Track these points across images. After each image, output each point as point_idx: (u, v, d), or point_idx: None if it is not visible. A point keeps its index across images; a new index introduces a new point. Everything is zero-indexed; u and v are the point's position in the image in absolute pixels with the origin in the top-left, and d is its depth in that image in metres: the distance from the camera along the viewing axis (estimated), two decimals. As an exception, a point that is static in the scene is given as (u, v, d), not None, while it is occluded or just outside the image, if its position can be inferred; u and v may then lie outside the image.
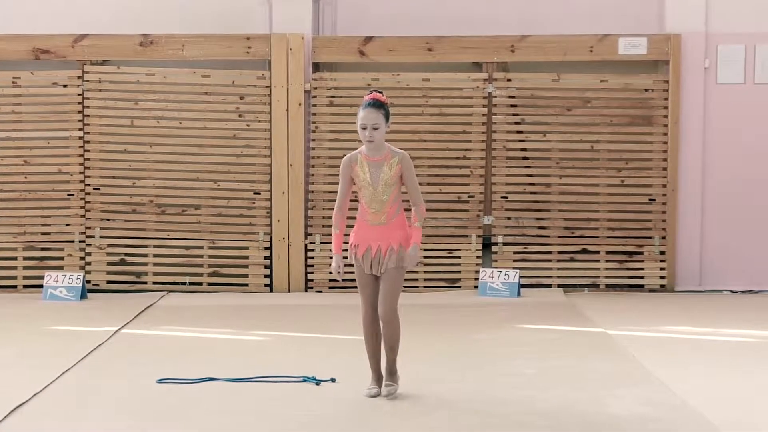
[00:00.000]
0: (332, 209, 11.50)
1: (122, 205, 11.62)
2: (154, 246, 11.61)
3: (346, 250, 6.90)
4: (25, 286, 11.51)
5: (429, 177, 11.44)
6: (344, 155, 11.39)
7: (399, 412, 5.28)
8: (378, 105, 6.65)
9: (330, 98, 11.59)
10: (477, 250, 11.57)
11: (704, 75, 11.66)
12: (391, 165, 6.68)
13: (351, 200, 7.18)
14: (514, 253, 11.58)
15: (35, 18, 11.71)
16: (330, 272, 7.06)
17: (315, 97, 11.58)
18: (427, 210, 11.74)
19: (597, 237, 11.64)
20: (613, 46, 11.51)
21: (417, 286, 11.40)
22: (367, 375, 6.66)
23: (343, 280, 7.12)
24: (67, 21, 11.67)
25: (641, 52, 11.53)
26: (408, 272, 11.18)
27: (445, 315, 10.01)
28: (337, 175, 11.48)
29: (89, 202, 11.59)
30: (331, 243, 7.28)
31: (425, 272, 11.45)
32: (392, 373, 6.70)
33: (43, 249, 11.60)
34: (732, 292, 11.68)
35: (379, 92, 6.77)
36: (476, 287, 11.33)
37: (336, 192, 11.44)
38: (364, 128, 6.65)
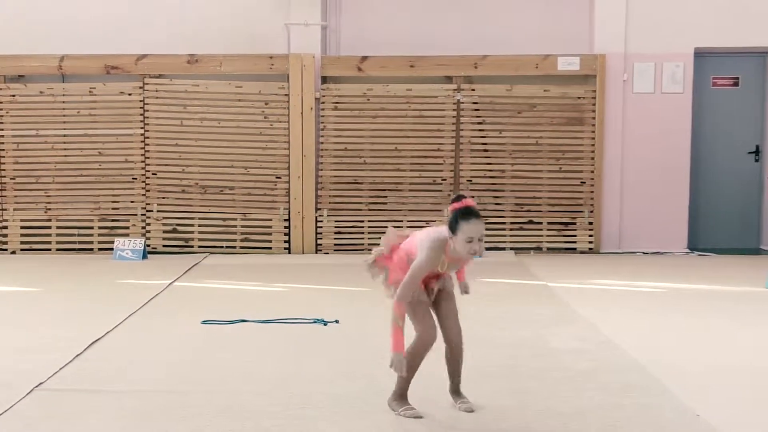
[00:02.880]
0: (337, 191, 11.64)
1: (174, 186, 11.63)
2: (199, 218, 11.62)
3: None
4: (100, 249, 11.52)
5: (411, 165, 11.52)
6: (345, 148, 11.55)
7: (379, 344, 5.27)
8: (480, 216, 4.69)
9: (335, 104, 11.59)
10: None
11: (623, 86, 11.69)
12: (465, 261, 4.94)
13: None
14: (477, 223, 11.56)
15: (106, 42, 11.73)
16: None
17: (323, 103, 11.58)
18: (410, 190, 11.89)
19: (540, 211, 11.66)
20: (553, 63, 11.52)
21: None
22: (365, 317, 6.63)
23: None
24: (131, 44, 11.71)
25: (575, 68, 11.54)
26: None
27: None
28: (341, 165, 11.63)
29: (148, 184, 11.60)
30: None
31: (408, 238, 11.45)
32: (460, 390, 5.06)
33: (113, 220, 11.62)
34: (644, 253, 11.73)
35: (467, 197, 4.80)
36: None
37: (341, 179, 11.58)
38: (471, 242, 4.61)
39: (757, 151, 12.18)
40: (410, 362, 4.73)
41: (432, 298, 4.90)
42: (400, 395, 4.84)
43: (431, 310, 4.91)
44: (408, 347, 4.73)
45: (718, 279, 9.55)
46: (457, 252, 4.67)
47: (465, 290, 5.28)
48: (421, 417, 4.73)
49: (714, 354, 6.26)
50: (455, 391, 5.02)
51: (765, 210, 12.10)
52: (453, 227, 4.64)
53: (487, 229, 11.69)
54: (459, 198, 4.77)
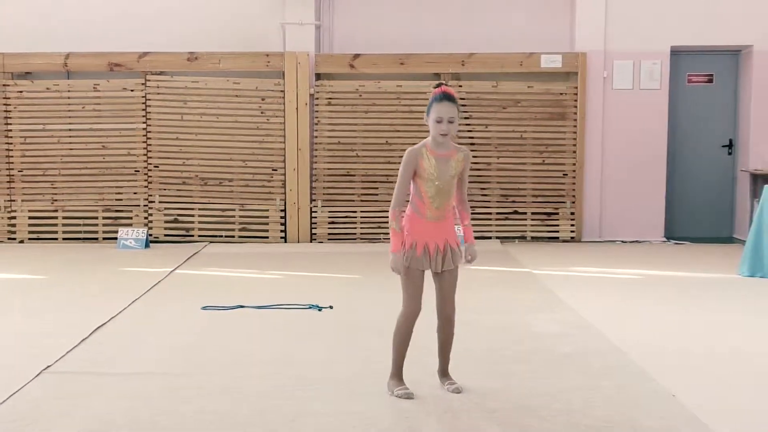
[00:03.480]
0: (330, 182, 11.63)
1: (175, 178, 11.61)
2: (199, 209, 11.61)
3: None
4: (104, 238, 11.50)
5: (401, 158, 11.38)
6: (338, 142, 11.54)
7: (371, 328, 5.30)
8: (452, 99, 4.78)
9: (328, 99, 11.58)
10: (436, 211, 11.56)
11: (603, 83, 11.70)
12: (457, 160, 4.85)
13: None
14: (464, 213, 11.59)
15: (110, 40, 11.71)
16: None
17: (317, 98, 11.57)
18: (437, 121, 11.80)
19: (525, 202, 11.68)
20: (537, 61, 11.51)
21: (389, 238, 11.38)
22: (358, 303, 6.63)
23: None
24: (134, 42, 11.68)
25: (557, 65, 11.54)
26: (383, 228, 11.26)
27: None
28: (334, 157, 11.62)
29: (150, 176, 11.58)
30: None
31: (398, 228, 11.45)
32: (448, 371, 5.03)
33: (116, 211, 11.60)
34: (623, 241, 11.75)
35: (447, 85, 4.90)
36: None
37: (334, 171, 11.57)
38: (440, 121, 4.75)
39: (730, 145, 12.22)
40: (399, 337, 4.76)
41: (434, 265, 4.81)
42: (395, 375, 4.81)
43: (434, 281, 4.86)
44: (396, 324, 4.78)
45: (693, 266, 9.58)
46: (432, 137, 4.79)
47: (470, 256, 4.94)
48: (412, 397, 4.70)
49: (689, 337, 6.29)
50: (443, 372, 4.99)
51: (738, 200, 12.14)
52: (427, 110, 4.81)
53: (473, 219, 11.80)
54: (439, 85, 4.88)
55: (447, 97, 4.76)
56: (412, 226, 4.85)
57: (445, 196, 4.83)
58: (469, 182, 11.46)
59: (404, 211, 4.87)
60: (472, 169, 11.56)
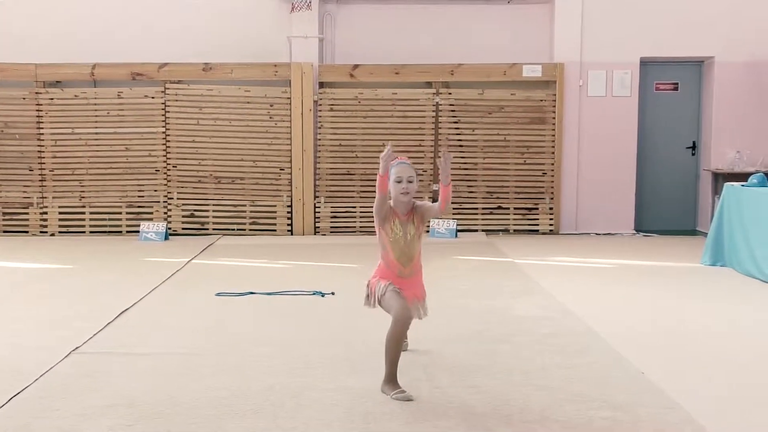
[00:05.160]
0: (332, 181, 11.63)
1: (191, 177, 11.60)
2: (213, 204, 11.59)
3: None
4: (127, 232, 11.49)
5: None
6: (340, 144, 11.53)
7: (370, 313, 5.27)
8: (408, 163, 4.73)
9: (330, 106, 11.57)
10: (428, 207, 11.57)
11: (579, 90, 11.70)
12: (413, 220, 4.68)
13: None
14: (453, 208, 11.61)
15: (133, 52, 11.70)
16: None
17: (320, 105, 11.55)
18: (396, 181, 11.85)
19: (508, 198, 11.68)
20: (519, 71, 11.51)
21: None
22: (358, 289, 6.60)
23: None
24: (154, 54, 11.67)
25: (538, 75, 11.53)
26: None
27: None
28: (336, 158, 11.61)
29: (169, 175, 11.56)
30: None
31: (394, 222, 11.45)
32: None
33: (139, 206, 11.59)
34: (597, 234, 11.76)
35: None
36: (427, 232, 11.33)
37: (336, 171, 11.57)
38: (400, 181, 4.60)
39: (693, 147, 12.23)
40: (392, 343, 4.44)
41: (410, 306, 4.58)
42: (390, 380, 4.46)
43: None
44: (387, 333, 4.46)
45: (660, 256, 9.59)
46: (394, 198, 4.62)
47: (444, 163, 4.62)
48: (411, 399, 4.35)
49: (656, 321, 6.30)
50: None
51: (700, 197, 12.15)
52: (389, 174, 4.62)
53: (462, 214, 11.84)
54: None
55: (404, 162, 4.70)
56: (384, 276, 4.66)
57: (409, 256, 4.65)
58: (458, 180, 11.58)
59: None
60: (461, 169, 11.58)
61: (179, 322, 6.19)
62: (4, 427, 3.99)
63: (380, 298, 4.62)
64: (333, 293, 7.18)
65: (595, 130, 11.74)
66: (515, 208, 11.70)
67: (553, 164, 11.64)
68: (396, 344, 4.48)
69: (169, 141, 11.55)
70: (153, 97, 11.52)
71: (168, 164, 11.57)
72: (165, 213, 11.57)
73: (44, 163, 11.58)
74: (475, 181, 11.67)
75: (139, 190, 11.60)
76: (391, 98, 11.57)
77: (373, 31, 11.95)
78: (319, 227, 11.61)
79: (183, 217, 11.59)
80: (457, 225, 11.33)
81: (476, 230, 11.62)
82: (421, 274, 4.79)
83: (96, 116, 11.55)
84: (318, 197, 11.63)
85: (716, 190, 11.15)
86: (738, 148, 11.52)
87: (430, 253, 9.80)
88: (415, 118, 11.61)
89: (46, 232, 11.58)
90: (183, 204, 11.59)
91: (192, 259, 9.30)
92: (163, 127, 11.54)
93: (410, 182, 4.63)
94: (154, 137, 11.55)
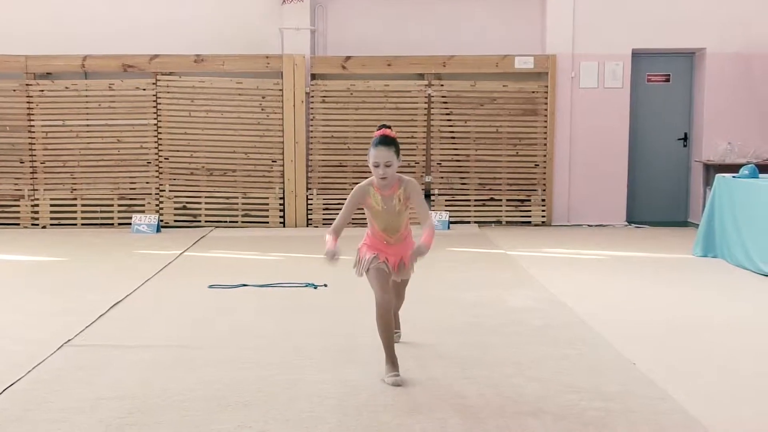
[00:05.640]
0: (325, 173, 11.61)
1: (183, 169, 11.57)
2: (205, 197, 11.57)
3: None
4: (119, 224, 11.47)
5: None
6: (332, 136, 11.52)
7: (361, 304, 5.29)
8: (389, 142, 4.56)
9: (323, 98, 11.55)
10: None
11: (571, 82, 11.71)
12: (399, 196, 4.61)
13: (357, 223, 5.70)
14: (446, 200, 11.62)
15: (124, 43, 11.66)
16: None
17: (312, 97, 11.54)
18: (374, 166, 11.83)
19: (500, 189, 11.68)
20: (511, 62, 11.51)
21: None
22: (350, 281, 6.61)
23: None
24: (145, 45, 11.63)
25: (530, 66, 11.53)
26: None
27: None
28: (328, 150, 11.60)
29: (161, 167, 11.54)
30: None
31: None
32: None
33: (130, 199, 11.56)
34: (589, 225, 11.78)
35: (388, 127, 4.68)
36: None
37: (328, 162, 11.55)
38: (377, 166, 4.54)
39: (685, 138, 12.25)
40: (381, 327, 4.48)
41: (393, 272, 4.66)
42: (387, 361, 4.51)
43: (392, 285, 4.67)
44: (376, 317, 4.49)
45: (652, 247, 9.62)
46: (374, 177, 4.58)
47: (416, 254, 4.46)
48: (401, 384, 4.40)
49: (648, 311, 6.32)
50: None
51: (692, 188, 12.18)
52: (368, 155, 4.58)
53: (454, 206, 11.81)
54: (381, 127, 4.65)
55: (383, 142, 4.54)
56: (372, 243, 4.72)
57: (395, 228, 4.66)
58: (450, 172, 11.58)
59: (338, 237, 4.61)
60: (453, 160, 11.58)
61: (171, 315, 6.19)
62: (-4, 420, 3.99)
63: (365, 271, 4.65)
64: (326, 285, 7.18)
65: (587, 121, 11.76)
66: (507, 200, 11.71)
67: (545, 156, 11.65)
68: (382, 327, 4.49)
69: (160, 133, 11.53)
70: (144, 89, 11.49)
71: (160, 156, 11.55)
72: (157, 205, 11.55)
73: (35, 156, 11.54)
74: (468, 172, 11.67)
75: (130, 183, 11.57)
76: (383, 90, 11.56)
77: (365, 23, 11.93)
78: (311, 219, 11.61)
79: (175, 209, 11.57)
80: (450, 217, 11.34)
81: (469, 222, 11.63)
82: (410, 237, 4.77)
83: (87, 108, 11.51)
84: (310, 189, 11.62)
85: (708, 182, 11.17)
86: (729, 140, 11.54)
87: (422, 245, 9.82)
88: (407, 110, 11.60)
89: (38, 224, 11.55)
90: (175, 196, 11.56)
91: (184, 251, 9.28)
92: (155, 119, 11.51)
93: (388, 166, 4.53)
94: (145, 129, 11.52)
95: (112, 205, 11.56)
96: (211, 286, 7.17)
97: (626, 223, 11.86)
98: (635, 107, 12.07)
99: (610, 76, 11.74)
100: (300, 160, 11.54)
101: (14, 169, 11.57)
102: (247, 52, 11.63)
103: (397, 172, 4.66)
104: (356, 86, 11.54)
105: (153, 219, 11.00)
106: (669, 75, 12.20)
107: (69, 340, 5.36)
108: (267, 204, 11.60)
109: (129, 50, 11.57)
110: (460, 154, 11.65)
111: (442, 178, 11.66)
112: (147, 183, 11.57)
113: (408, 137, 11.56)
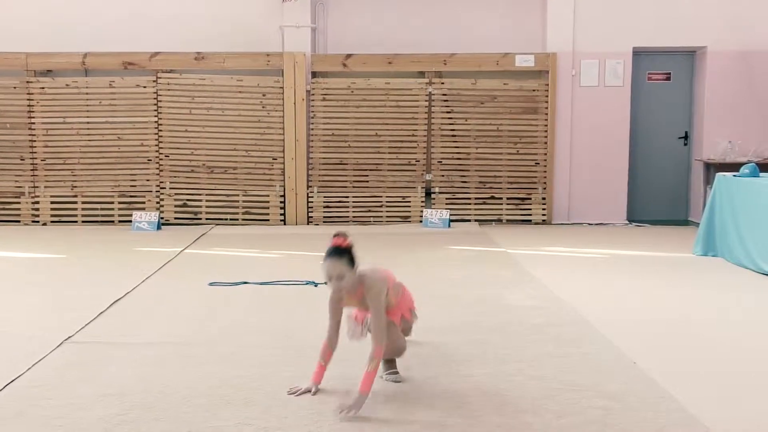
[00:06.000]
0: (325, 170, 11.61)
1: (184, 167, 11.57)
2: (206, 194, 11.57)
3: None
4: (120, 221, 11.47)
5: (389, 148, 11.49)
6: (332, 134, 11.52)
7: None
8: (339, 252, 4.20)
9: (323, 96, 11.54)
10: (421, 196, 11.59)
11: (572, 80, 11.69)
12: (364, 301, 4.31)
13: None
14: (446, 198, 11.62)
15: (124, 41, 11.67)
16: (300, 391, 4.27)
17: (313, 95, 11.53)
18: (388, 170, 11.92)
19: (500, 188, 11.68)
20: (511, 60, 11.50)
21: (381, 221, 11.41)
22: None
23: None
24: (146, 43, 11.63)
25: (531, 64, 11.52)
26: (373, 211, 11.24)
27: (400, 239, 10.06)
28: (328, 148, 11.60)
29: (162, 165, 11.54)
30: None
31: (387, 211, 11.45)
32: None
33: (131, 196, 11.55)
34: (589, 224, 11.78)
35: (343, 235, 4.27)
36: (421, 221, 11.37)
37: (328, 160, 11.55)
38: (329, 279, 4.23)
39: (685, 137, 12.25)
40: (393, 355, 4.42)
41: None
42: (388, 360, 4.53)
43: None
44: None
45: (652, 246, 9.61)
46: None
47: (351, 408, 3.95)
48: (401, 381, 4.44)
49: (648, 310, 6.31)
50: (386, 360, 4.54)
51: (692, 187, 12.18)
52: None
53: (454, 204, 11.83)
54: (335, 236, 4.27)
55: (332, 253, 4.17)
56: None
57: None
58: (451, 170, 11.57)
59: (329, 359, 4.36)
60: (453, 158, 11.57)
61: (172, 312, 6.18)
62: (-4, 417, 3.98)
63: (368, 331, 4.39)
64: (326, 283, 7.15)
65: (587, 120, 11.75)
66: (508, 198, 11.70)
67: (545, 154, 11.65)
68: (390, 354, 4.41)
69: (161, 130, 11.52)
70: (145, 87, 11.48)
71: (160, 154, 11.54)
72: (157, 203, 11.54)
73: (36, 153, 11.54)
74: (468, 171, 11.66)
75: (131, 180, 11.57)
76: (384, 88, 11.55)
77: (365, 21, 11.92)
78: (311, 217, 11.60)
79: (175, 206, 11.57)
80: (450, 215, 11.33)
81: (469, 220, 11.62)
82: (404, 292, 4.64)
83: (87, 105, 11.51)
84: (311, 187, 11.61)
85: (708, 180, 11.16)
86: (730, 138, 11.54)
87: (422, 242, 9.83)
88: (407, 108, 11.59)
89: (38, 221, 11.55)
90: (175, 194, 11.56)
91: (185, 248, 9.28)
92: (155, 116, 11.50)
93: (340, 279, 4.17)
94: (146, 127, 11.51)
95: (112, 203, 11.56)
96: (211, 284, 7.16)
97: (627, 222, 11.85)
98: (636, 105, 12.06)
99: (610, 74, 11.73)
100: (300, 158, 11.53)
101: (15, 166, 11.57)
102: (248, 49, 11.63)
103: (359, 274, 4.30)
104: (357, 84, 11.53)
105: (153, 216, 10.99)
106: (670, 73, 12.19)
107: (69, 337, 5.36)
108: (267, 202, 11.59)
109: (130, 48, 11.57)
110: (461, 152, 11.64)
111: (442, 176, 11.65)
112: (147, 180, 11.56)
113: (409, 135, 11.55)
